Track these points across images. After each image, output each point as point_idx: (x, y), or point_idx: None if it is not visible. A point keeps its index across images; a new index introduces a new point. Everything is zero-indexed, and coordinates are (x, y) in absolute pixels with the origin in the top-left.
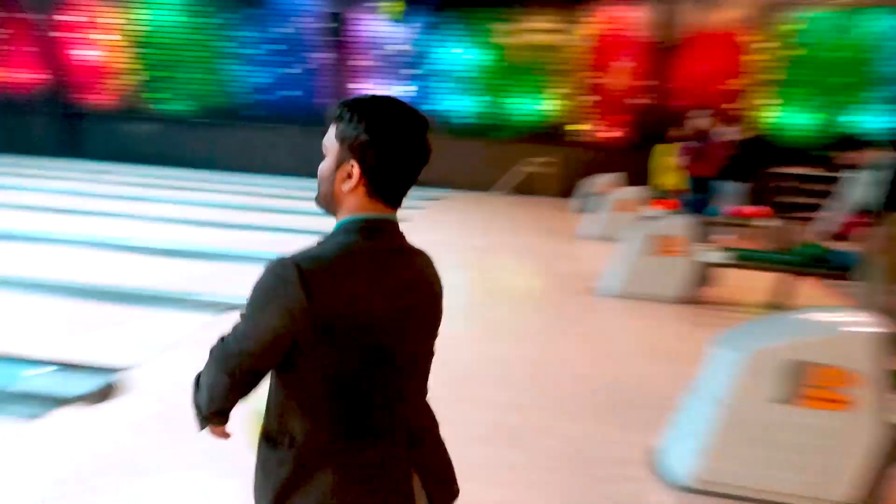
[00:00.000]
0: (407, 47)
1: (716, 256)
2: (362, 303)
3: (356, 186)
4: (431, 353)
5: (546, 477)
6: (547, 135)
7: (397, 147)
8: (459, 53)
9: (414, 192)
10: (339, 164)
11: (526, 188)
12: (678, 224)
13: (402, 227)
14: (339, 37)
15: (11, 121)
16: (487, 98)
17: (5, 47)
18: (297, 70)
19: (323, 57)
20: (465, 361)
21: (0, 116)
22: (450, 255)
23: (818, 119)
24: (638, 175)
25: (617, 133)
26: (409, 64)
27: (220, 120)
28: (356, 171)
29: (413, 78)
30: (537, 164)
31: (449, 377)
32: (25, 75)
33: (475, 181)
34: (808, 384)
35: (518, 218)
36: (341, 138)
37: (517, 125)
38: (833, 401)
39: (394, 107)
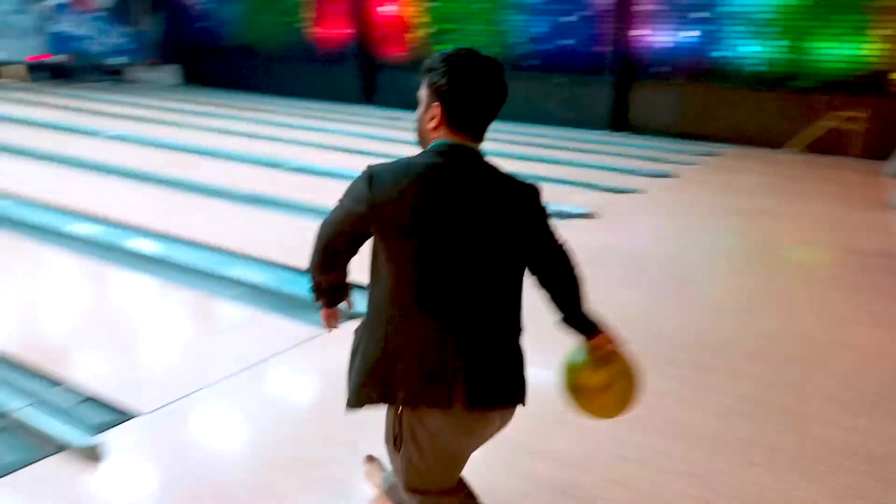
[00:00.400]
0: None
1: None
2: (411, 199)
3: (440, 123)
4: (505, 266)
5: (814, 466)
6: (861, 85)
7: (470, 87)
8: None
9: (688, 146)
10: (428, 106)
11: (826, 146)
12: None
13: (667, 183)
14: None
15: (325, 71)
16: (787, 42)
17: (322, 6)
18: (575, 18)
19: (604, 3)
20: (726, 331)
21: (317, 67)
22: (716, 217)
23: None
24: None
25: None
26: (698, 6)
27: None
28: (439, 110)
29: (702, 22)
30: (842, 118)
31: (705, 345)
32: (337, 31)
33: (765, 136)
34: None
35: (812, 181)
36: (429, 85)
37: (823, 73)
38: None
39: (470, 56)
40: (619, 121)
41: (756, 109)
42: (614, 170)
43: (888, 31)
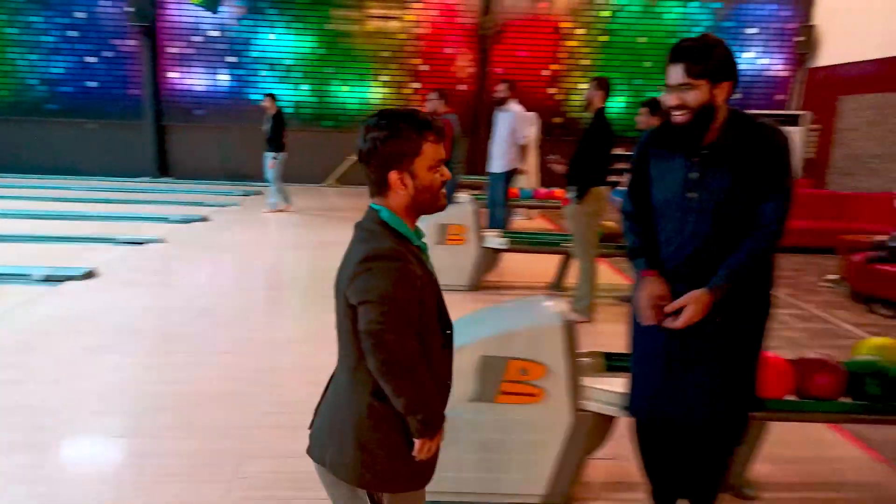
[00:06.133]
0: (225, 32)
1: (497, 242)
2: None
3: None
4: (343, 322)
5: None
6: None
7: None
8: (283, 40)
9: (229, 188)
10: None
11: (355, 179)
12: (464, 212)
13: (201, 226)
14: (148, 21)
15: None
16: (311, 86)
17: None
18: (98, 59)
19: (130, 43)
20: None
21: None
22: (246, 255)
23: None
24: None
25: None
26: (227, 51)
27: (7, 115)
28: None
29: (233, 66)
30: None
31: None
32: None
33: (306, 173)
34: (504, 379)
35: (344, 209)
36: None
37: (344, 113)
38: (527, 394)
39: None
40: (162, 166)
41: (295, 149)
42: (144, 219)
43: (387, 77)
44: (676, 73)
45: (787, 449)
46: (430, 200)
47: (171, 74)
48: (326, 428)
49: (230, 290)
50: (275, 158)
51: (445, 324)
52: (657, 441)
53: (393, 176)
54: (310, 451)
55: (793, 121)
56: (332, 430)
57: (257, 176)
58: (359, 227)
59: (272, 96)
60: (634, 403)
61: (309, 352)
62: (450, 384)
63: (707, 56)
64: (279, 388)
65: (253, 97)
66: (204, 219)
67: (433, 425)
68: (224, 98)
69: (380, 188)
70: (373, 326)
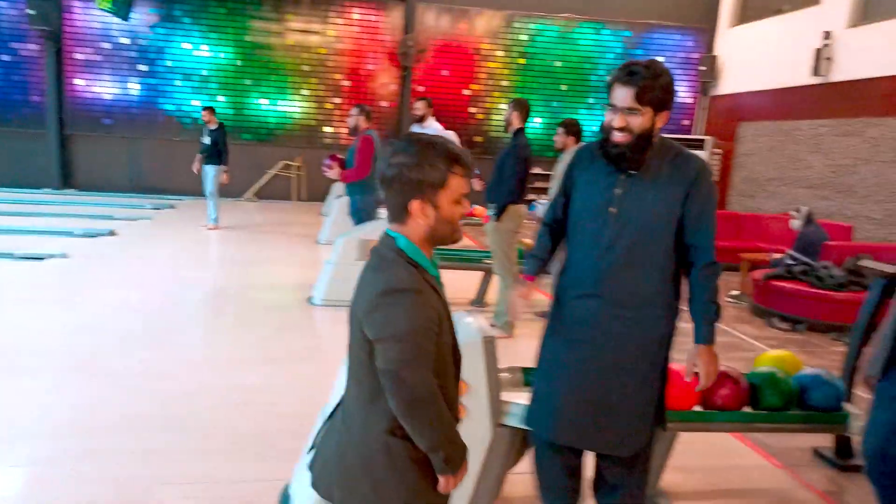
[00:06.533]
0: (137, 40)
1: None
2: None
3: None
4: (359, 354)
5: None
6: (299, 137)
7: None
8: (199, 50)
9: (141, 201)
10: None
11: (274, 192)
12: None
13: (109, 241)
14: (51, 25)
15: None
16: (232, 98)
17: None
18: None
19: (32, 48)
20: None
21: None
22: (163, 270)
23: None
24: None
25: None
26: (138, 60)
27: None
28: None
29: (145, 75)
30: (282, 167)
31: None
32: None
33: (221, 187)
34: None
35: (265, 223)
36: None
37: (264, 127)
38: None
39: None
40: (67, 178)
41: None
42: (45, 233)
43: (307, 92)
44: (625, 96)
45: (695, 458)
46: (449, 232)
47: (77, 81)
48: (336, 462)
49: (138, 309)
50: (226, 172)
51: (456, 354)
52: (555, 456)
53: (415, 205)
54: (315, 486)
55: (699, 145)
56: (343, 466)
57: (169, 189)
58: (374, 252)
59: (212, 109)
60: (533, 417)
61: (219, 373)
62: (458, 417)
63: (656, 84)
64: (189, 411)
65: (167, 108)
66: (112, 233)
67: (455, 460)
68: (134, 108)
69: (399, 215)
70: (392, 366)
